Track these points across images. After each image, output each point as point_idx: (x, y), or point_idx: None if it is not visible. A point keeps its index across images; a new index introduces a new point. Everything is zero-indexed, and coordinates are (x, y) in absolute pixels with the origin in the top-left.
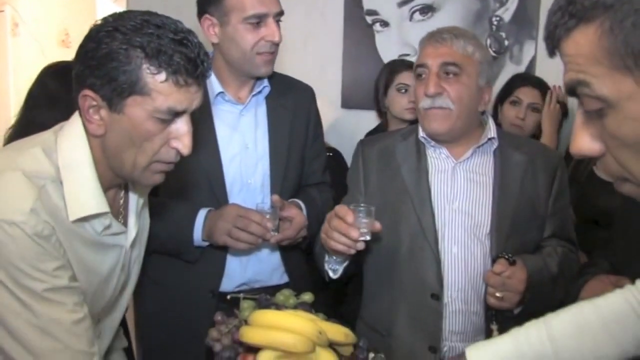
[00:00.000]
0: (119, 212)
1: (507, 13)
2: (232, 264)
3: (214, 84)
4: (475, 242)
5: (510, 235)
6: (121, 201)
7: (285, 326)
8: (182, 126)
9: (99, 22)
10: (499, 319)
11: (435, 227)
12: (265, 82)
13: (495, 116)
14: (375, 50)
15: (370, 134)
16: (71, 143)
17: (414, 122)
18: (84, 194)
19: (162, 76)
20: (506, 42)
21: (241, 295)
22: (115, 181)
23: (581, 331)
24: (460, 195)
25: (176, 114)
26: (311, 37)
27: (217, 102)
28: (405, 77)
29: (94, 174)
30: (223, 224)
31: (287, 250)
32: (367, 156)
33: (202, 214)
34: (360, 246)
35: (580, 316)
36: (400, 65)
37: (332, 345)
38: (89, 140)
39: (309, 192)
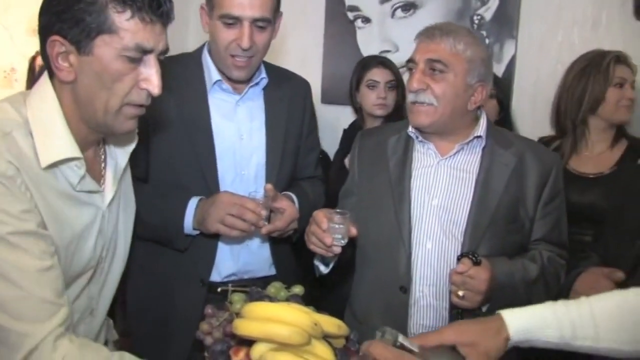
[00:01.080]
0: (100, 175)
1: (488, 12)
2: (223, 253)
3: (212, 71)
4: (450, 239)
5: (486, 236)
6: (102, 165)
7: (279, 318)
8: (150, 67)
9: None
10: (465, 317)
11: (411, 221)
12: (263, 74)
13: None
14: (356, 46)
15: (347, 130)
16: (40, 98)
17: (386, 118)
18: (55, 140)
19: (128, 14)
20: (487, 41)
21: (230, 287)
22: (90, 137)
23: (623, 314)
24: (441, 191)
25: (144, 52)
26: (292, 32)
27: (213, 90)
28: (374, 74)
29: (63, 121)
30: (216, 211)
31: (277, 242)
32: (363, 147)
33: (193, 202)
34: (336, 250)
35: (623, 300)
36: (371, 61)
37: (324, 338)
38: (60, 94)
39: (302, 186)
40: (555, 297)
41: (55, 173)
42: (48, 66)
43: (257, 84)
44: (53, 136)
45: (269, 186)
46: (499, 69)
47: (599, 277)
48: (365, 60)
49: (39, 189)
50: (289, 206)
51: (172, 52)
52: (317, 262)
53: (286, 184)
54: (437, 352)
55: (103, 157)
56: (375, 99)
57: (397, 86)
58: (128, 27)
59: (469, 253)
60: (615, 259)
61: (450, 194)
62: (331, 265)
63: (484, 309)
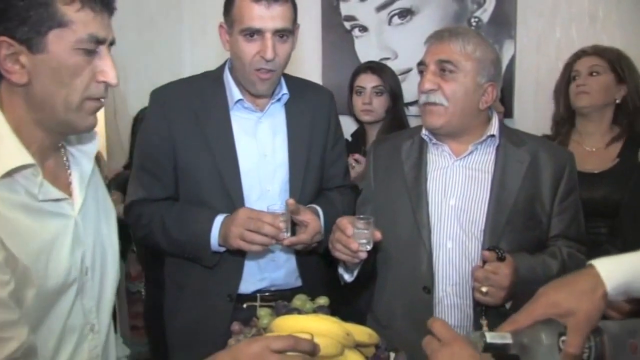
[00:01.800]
0: (66, 183)
1: (485, 14)
2: (250, 268)
3: (233, 90)
4: (470, 237)
5: (505, 233)
6: (67, 172)
7: (312, 330)
8: (104, 58)
9: None
10: (488, 314)
11: (430, 222)
12: (285, 89)
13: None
14: (355, 55)
15: (351, 140)
16: None
17: (369, 124)
18: (2, 150)
19: (77, 5)
20: None
21: (257, 303)
22: (47, 142)
23: None
24: (457, 191)
25: (97, 43)
26: None
27: (235, 108)
28: (361, 80)
29: (8, 129)
30: (235, 228)
31: (303, 254)
32: (377, 155)
33: (219, 219)
34: (362, 255)
35: None
36: (360, 67)
37: (356, 347)
38: (7, 100)
39: (329, 196)
40: None
41: (12, 186)
42: None
43: (278, 100)
44: (1, 148)
45: (291, 201)
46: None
47: None
48: (357, 67)
49: None
50: (312, 219)
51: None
52: (341, 271)
53: (311, 197)
54: (534, 332)
55: (67, 164)
56: (361, 105)
57: (385, 92)
58: (79, 18)
59: (494, 248)
60: (634, 248)
61: (467, 194)
62: (355, 273)
63: (507, 305)
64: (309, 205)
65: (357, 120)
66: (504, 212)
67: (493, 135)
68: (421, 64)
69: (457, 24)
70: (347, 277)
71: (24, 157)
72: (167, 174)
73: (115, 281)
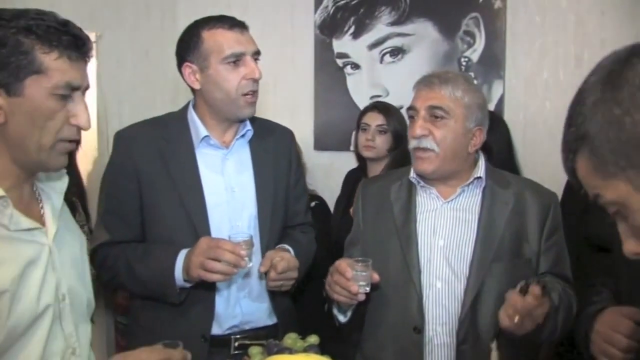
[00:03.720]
0: (39, 215)
1: (474, 54)
2: (222, 306)
3: (199, 128)
4: (458, 277)
5: (492, 271)
6: (40, 205)
7: None
8: (78, 103)
9: None
10: (500, 340)
11: (420, 263)
12: (249, 126)
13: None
14: (347, 92)
15: (348, 176)
16: None
17: (371, 160)
18: None
19: (55, 54)
20: (475, 82)
21: (232, 346)
22: (21, 175)
23: None
24: (446, 232)
25: (72, 89)
26: (281, 80)
27: (201, 146)
28: (368, 117)
29: None
30: (196, 257)
31: (275, 292)
32: (366, 195)
33: (182, 254)
34: (361, 297)
35: None
36: (368, 107)
37: None
38: None
39: (294, 236)
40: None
41: None
42: None
43: (243, 136)
44: None
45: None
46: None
47: (619, 318)
48: (366, 106)
49: None
50: (287, 256)
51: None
52: (335, 312)
53: (279, 232)
54: None
55: (39, 198)
56: (364, 140)
57: (389, 131)
58: (56, 66)
59: (537, 281)
60: (628, 292)
61: (455, 235)
62: (349, 314)
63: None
64: (280, 245)
65: (359, 158)
66: (490, 251)
67: (480, 177)
68: (411, 109)
69: (447, 64)
70: (342, 318)
71: None
72: (133, 215)
73: (91, 306)
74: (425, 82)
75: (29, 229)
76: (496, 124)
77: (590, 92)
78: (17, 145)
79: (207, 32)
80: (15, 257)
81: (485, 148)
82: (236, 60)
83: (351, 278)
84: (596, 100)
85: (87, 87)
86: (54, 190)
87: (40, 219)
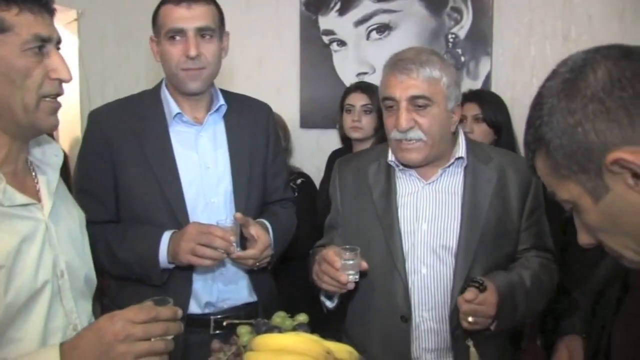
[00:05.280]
0: (34, 191)
1: (462, 30)
2: (199, 284)
3: (171, 105)
4: (443, 261)
5: (478, 254)
6: (35, 180)
7: (292, 349)
8: (54, 56)
9: None
10: (474, 335)
11: (403, 250)
12: (222, 101)
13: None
14: (333, 69)
15: (331, 157)
16: None
17: (358, 141)
18: None
19: (15, 10)
20: (462, 59)
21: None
22: (13, 147)
23: None
24: (428, 216)
25: (43, 41)
26: (267, 58)
27: (174, 123)
28: (352, 98)
29: None
30: (186, 243)
31: (253, 270)
32: (342, 177)
33: (166, 236)
34: (351, 287)
35: None
36: (350, 87)
37: None
38: None
39: (273, 211)
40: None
41: None
42: None
43: (216, 111)
44: None
45: (239, 215)
46: (475, 86)
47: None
48: (348, 87)
49: None
50: (262, 234)
51: None
52: (323, 298)
53: (256, 208)
54: None
55: (34, 173)
56: (350, 122)
57: (374, 111)
58: (20, 21)
59: (474, 281)
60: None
61: (438, 218)
62: (336, 300)
63: (492, 327)
64: (257, 220)
65: (343, 139)
66: (475, 232)
67: (461, 157)
68: (389, 99)
69: (434, 40)
70: (329, 304)
71: None
72: (108, 195)
73: (93, 281)
74: (401, 69)
75: (24, 205)
76: (501, 104)
77: (547, 97)
78: (1, 111)
79: (162, 7)
80: (10, 233)
81: (496, 127)
82: (175, 35)
83: (340, 268)
84: (552, 107)
85: (59, 41)
86: (49, 165)
87: (36, 195)
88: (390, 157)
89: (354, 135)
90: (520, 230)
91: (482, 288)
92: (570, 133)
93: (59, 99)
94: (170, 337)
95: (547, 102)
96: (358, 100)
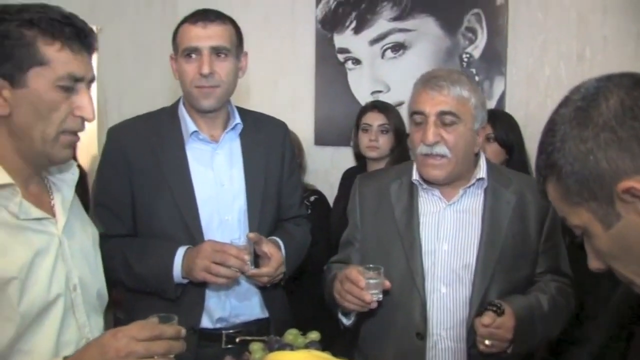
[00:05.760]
0: (49, 206)
1: (476, 50)
2: (212, 300)
3: (188, 123)
4: (462, 281)
5: (495, 274)
6: (51, 197)
7: None
8: (82, 95)
9: None
10: (491, 358)
11: (423, 269)
12: (238, 119)
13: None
14: (347, 87)
15: (345, 176)
16: None
17: (374, 160)
18: None
19: (57, 45)
20: (477, 78)
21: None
22: (26, 170)
23: None
24: (449, 237)
25: (76, 81)
26: (282, 75)
27: (191, 141)
28: (368, 117)
29: None
30: (201, 261)
31: (266, 286)
32: (363, 193)
33: (180, 251)
34: (374, 306)
35: None
36: (367, 106)
37: None
38: None
39: (287, 228)
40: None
41: None
42: None
43: (232, 129)
44: None
45: (251, 234)
46: (489, 105)
47: None
48: (365, 105)
49: None
50: (275, 252)
51: None
52: (340, 316)
53: (270, 226)
54: None
55: (50, 191)
56: (367, 142)
57: (391, 130)
58: (59, 58)
59: (491, 305)
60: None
61: (459, 238)
62: (353, 317)
63: (509, 350)
64: (270, 238)
65: (357, 157)
66: (494, 253)
67: (482, 178)
68: (418, 114)
69: (448, 60)
70: (346, 321)
71: (2, 177)
72: (125, 210)
73: (105, 296)
74: (432, 86)
75: (39, 219)
76: (514, 123)
77: (560, 124)
78: (22, 136)
79: (181, 26)
80: (25, 246)
81: (507, 147)
82: (190, 53)
83: (364, 287)
84: (564, 134)
85: (92, 79)
86: (65, 182)
87: (51, 210)
88: (415, 175)
89: (370, 154)
90: (538, 253)
91: (499, 312)
92: (582, 160)
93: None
94: (172, 356)
95: (559, 129)
96: (375, 119)
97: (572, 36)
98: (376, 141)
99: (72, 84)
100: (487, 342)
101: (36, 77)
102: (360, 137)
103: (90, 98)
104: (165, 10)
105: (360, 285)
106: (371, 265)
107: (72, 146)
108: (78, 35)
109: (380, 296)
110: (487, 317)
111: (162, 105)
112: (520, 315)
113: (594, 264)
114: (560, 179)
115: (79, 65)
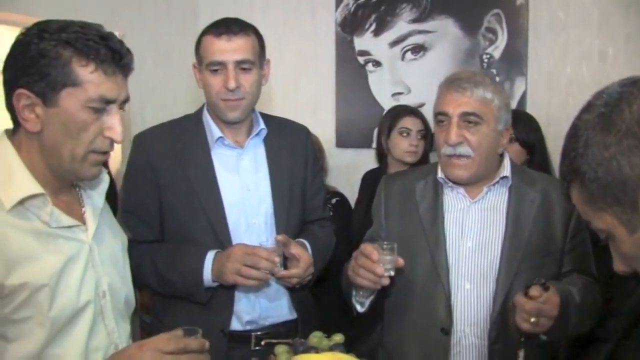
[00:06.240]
0: (80, 215)
1: (497, 51)
2: (241, 302)
3: (213, 129)
4: (486, 278)
5: (519, 272)
6: (81, 205)
7: None
8: (113, 116)
9: (23, 30)
10: (527, 345)
11: (448, 265)
12: (262, 125)
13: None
14: (368, 89)
15: (366, 178)
16: None
17: (413, 165)
18: (14, 182)
19: (92, 67)
20: (497, 79)
21: (263, 337)
22: (55, 183)
23: None
24: (474, 233)
25: (107, 103)
26: (303, 78)
27: (216, 146)
28: (407, 122)
29: (21, 165)
30: (231, 264)
31: (294, 288)
32: (389, 193)
33: (210, 256)
34: (385, 282)
35: None
36: (403, 110)
37: None
38: (25, 143)
39: (313, 231)
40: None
41: (24, 213)
42: (14, 118)
43: (257, 134)
44: (12, 178)
45: (280, 237)
46: (511, 106)
47: None
48: (397, 108)
49: (6, 234)
50: (303, 253)
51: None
52: (354, 301)
53: (296, 228)
54: None
55: (82, 201)
56: (407, 146)
57: (427, 135)
58: (92, 79)
59: (537, 280)
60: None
61: (483, 235)
62: (367, 304)
63: (543, 337)
64: (297, 240)
65: (380, 158)
66: (518, 251)
67: (506, 177)
68: (442, 114)
69: (469, 61)
70: (359, 308)
71: (34, 187)
72: (152, 216)
73: (132, 302)
74: (455, 87)
75: (69, 227)
76: (535, 124)
77: (583, 130)
78: (52, 153)
79: (204, 37)
80: (56, 253)
81: (528, 147)
82: (216, 68)
83: (376, 260)
84: (587, 140)
85: (126, 100)
86: (96, 190)
87: (81, 218)
88: (440, 174)
89: (409, 159)
90: (564, 252)
91: (545, 287)
92: (605, 166)
93: None
94: None
95: (582, 135)
96: (414, 125)
97: (593, 35)
98: (416, 146)
99: (102, 106)
100: (532, 319)
101: (68, 97)
102: (397, 141)
103: (119, 119)
104: (186, 17)
105: (372, 258)
106: (385, 242)
107: (100, 164)
108: (113, 57)
109: (392, 272)
110: (535, 290)
111: (183, 111)
112: (563, 297)
113: (619, 266)
114: (583, 184)
115: (111, 87)
